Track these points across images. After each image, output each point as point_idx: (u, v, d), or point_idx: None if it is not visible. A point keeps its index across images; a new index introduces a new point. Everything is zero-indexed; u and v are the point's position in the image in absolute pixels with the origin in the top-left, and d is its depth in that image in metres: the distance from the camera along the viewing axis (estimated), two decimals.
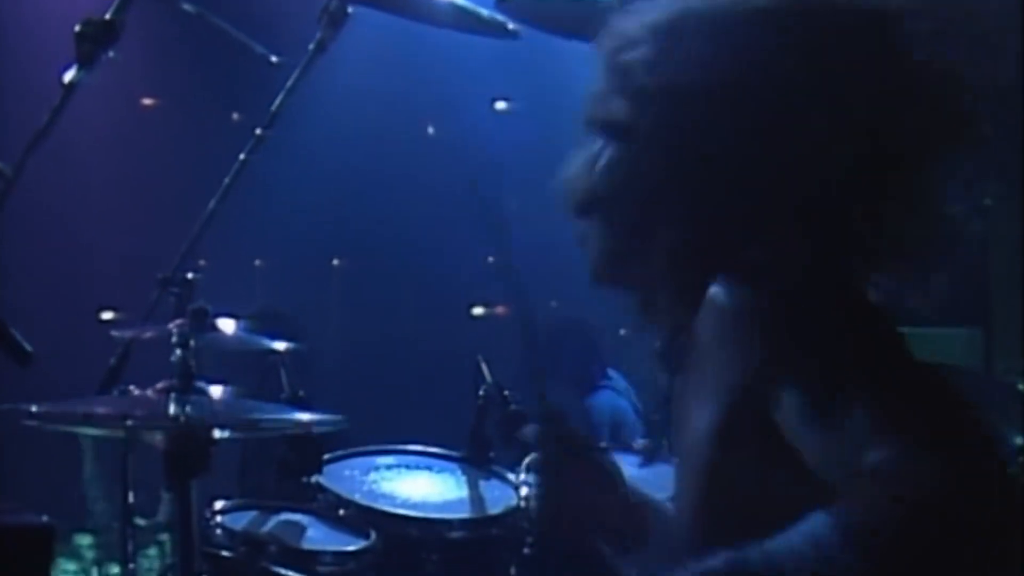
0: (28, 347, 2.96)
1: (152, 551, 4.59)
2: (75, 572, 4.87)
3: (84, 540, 5.01)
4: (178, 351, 3.27)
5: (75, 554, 4.95)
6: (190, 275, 3.92)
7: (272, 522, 3.77)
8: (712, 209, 2.01)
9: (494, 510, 3.93)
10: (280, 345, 3.87)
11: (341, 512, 3.85)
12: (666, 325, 2.13)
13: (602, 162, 2.13)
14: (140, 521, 3.87)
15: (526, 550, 3.88)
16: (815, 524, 1.74)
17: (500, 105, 6.42)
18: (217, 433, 3.20)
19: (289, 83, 4.14)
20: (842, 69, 1.98)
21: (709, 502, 1.99)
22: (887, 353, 1.89)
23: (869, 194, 1.99)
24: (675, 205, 2.04)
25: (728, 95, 1.99)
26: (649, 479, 4.07)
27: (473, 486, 4.05)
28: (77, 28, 3.58)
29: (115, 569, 4.73)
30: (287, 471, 3.86)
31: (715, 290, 1.97)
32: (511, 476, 4.03)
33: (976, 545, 1.70)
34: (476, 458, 4.12)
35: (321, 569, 3.66)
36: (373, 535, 3.74)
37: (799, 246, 1.96)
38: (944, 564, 1.70)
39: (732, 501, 1.95)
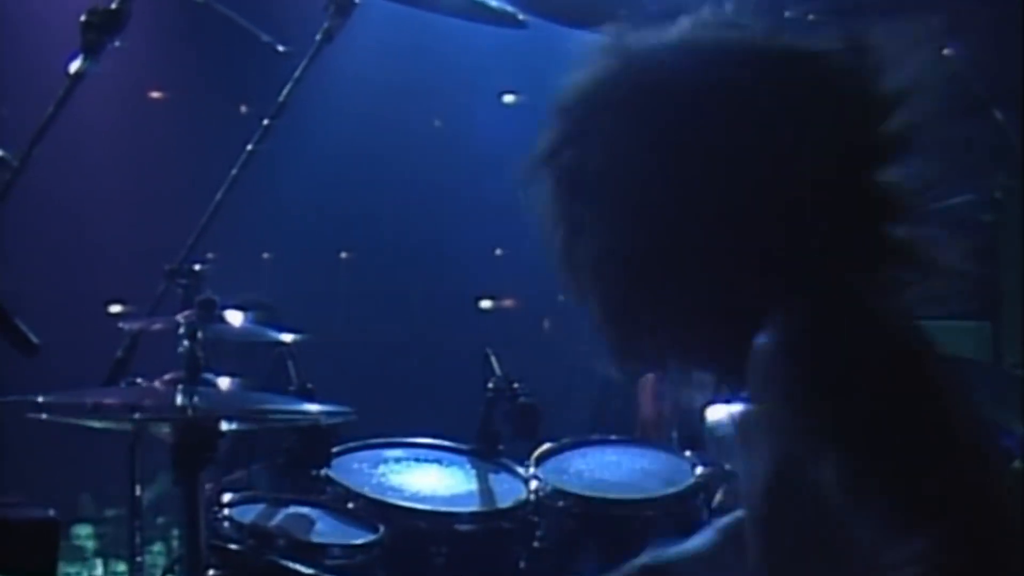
0: (34, 339, 2.95)
1: (157, 547, 4.59)
2: (76, 563, 4.87)
3: (83, 531, 5.02)
4: (185, 343, 3.25)
5: (74, 546, 4.95)
6: (197, 267, 3.90)
7: (281, 515, 3.75)
8: (713, 273, 1.98)
9: (503, 503, 3.92)
10: (288, 337, 3.86)
11: (350, 505, 3.84)
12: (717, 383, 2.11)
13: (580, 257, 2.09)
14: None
15: (535, 543, 3.87)
16: None
17: (508, 98, 6.40)
18: (224, 425, 3.19)
19: (296, 73, 4.13)
20: (786, 111, 1.97)
21: (770, 552, 1.97)
22: (926, 414, 1.85)
23: (850, 215, 1.97)
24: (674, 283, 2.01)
25: (685, 165, 1.97)
26: (661, 471, 4.07)
27: (482, 479, 4.04)
28: (83, 17, 3.57)
29: (119, 563, 4.74)
30: (296, 463, 3.85)
31: (760, 342, 1.93)
32: (520, 469, 4.03)
33: None
34: (485, 451, 4.11)
35: (329, 562, 3.64)
36: (382, 528, 3.73)
37: (816, 293, 1.94)
38: None
39: (791, 550, 1.94)
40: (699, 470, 3.97)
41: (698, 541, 2.44)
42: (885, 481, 1.78)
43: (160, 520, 4.76)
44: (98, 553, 5.06)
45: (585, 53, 2.10)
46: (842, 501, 1.81)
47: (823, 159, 1.96)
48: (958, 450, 1.82)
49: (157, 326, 3.64)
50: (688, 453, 4.12)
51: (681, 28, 2.06)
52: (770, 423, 1.92)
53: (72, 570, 5.03)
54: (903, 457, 1.80)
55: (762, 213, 1.95)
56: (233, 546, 3.60)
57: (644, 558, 2.43)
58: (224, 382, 3.75)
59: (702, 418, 4.04)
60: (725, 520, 2.43)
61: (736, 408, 2.11)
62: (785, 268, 1.95)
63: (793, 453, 1.88)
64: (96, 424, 3.35)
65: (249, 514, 3.71)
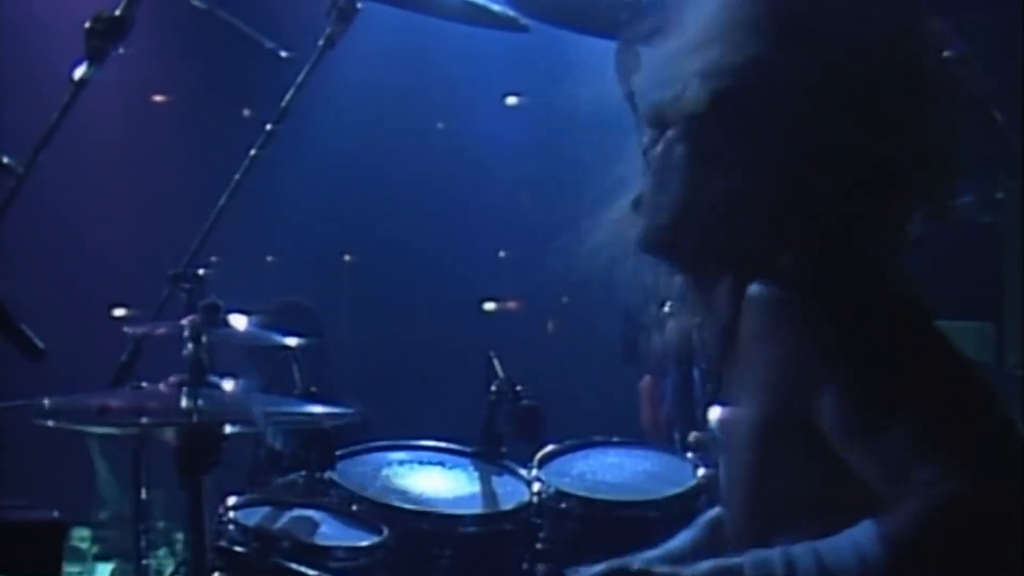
0: (40, 343, 2.96)
1: (161, 551, 4.60)
2: (75, 566, 4.88)
3: (83, 534, 5.02)
4: (190, 347, 3.27)
5: (74, 549, 4.96)
6: (201, 271, 3.92)
7: (285, 518, 3.76)
8: (748, 209, 2.02)
9: (506, 505, 3.92)
10: (292, 341, 3.87)
11: (354, 507, 3.85)
12: (709, 320, 2.14)
13: (653, 157, 2.14)
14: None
15: (538, 545, 3.88)
16: (861, 533, 1.79)
17: (510, 100, 6.42)
18: (229, 428, 3.20)
19: (299, 78, 4.14)
20: (870, 74, 2.01)
21: (756, 498, 2.00)
22: (927, 358, 1.91)
23: (898, 192, 2.01)
24: (713, 204, 2.05)
25: (767, 102, 2.01)
26: (663, 473, 4.08)
27: (485, 481, 4.05)
28: (87, 24, 3.58)
29: (122, 565, 4.75)
30: (300, 466, 3.86)
31: (754, 288, 1.97)
32: (523, 471, 4.03)
33: (1021, 559, 1.74)
34: (488, 453, 4.12)
35: (334, 564, 3.65)
36: (386, 530, 3.74)
37: (833, 247, 1.98)
38: None
39: (778, 497, 1.97)
40: (701, 472, 3.98)
41: (679, 540, 2.46)
42: (891, 414, 1.82)
43: (162, 524, 4.77)
44: (100, 556, 5.07)
45: None
46: (844, 438, 1.85)
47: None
48: (961, 385, 1.89)
49: (161, 330, 3.65)
50: (690, 455, 4.13)
51: None
52: (763, 364, 1.95)
53: (74, 570, 5.04)
54: (910, 391, 1.85)
55: (832, 168, 2.01)
56: (238, 548, 3.61)
57: (620, 561, 2.45)
58: (229, 385, 3.76)
59: (704, 420, 4.05)
60: (705, 516, 2.46)
61: (720, 411, 2.14)
62: (826, 226, 1.99)
63: (789, 399, 1.91)
64: (101, 429, 3.36)
65: (254, 517, 3.72)
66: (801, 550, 1.83)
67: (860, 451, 1.84)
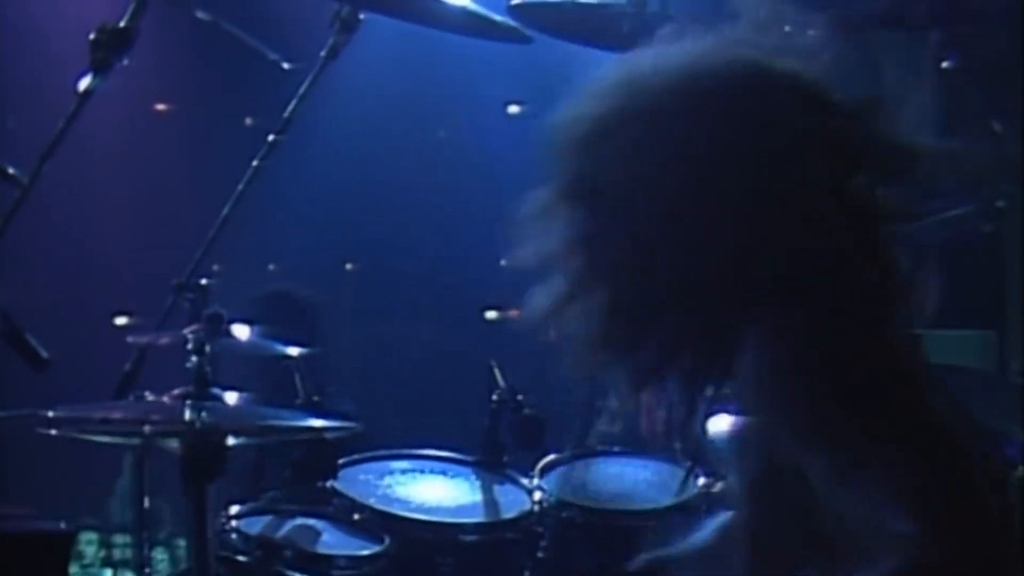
0: (44, 352, 2.98)
1: (161, 554, 4.60)
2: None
3: (88, 539, 5.03)
4: (194, 357, 3.28)
5: (79, 555, 4.96)
6: (204, 281, 3.93)
7: (287, 526, 3.77)
8: (712, 290, 2.02)
9: (508, 514, 3.93)
10: (294, 350, 3.88)
11: (356, 516, 3.86)
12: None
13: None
14: None
15: (539, 554, 3.89)
16: None
17: (512, 109, 6.42)
18: (232, 439, 3.22)
19: (302, 89, 4.16)
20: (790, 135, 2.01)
21: (760, 543, 2.02)
22: (911, 411, 1.91)
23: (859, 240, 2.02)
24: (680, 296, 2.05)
25: (697, 186, 2.01)
26: (664, 483, 4.08)
27: (487, 490, 4.06)
28: (92, 35, 3.60)
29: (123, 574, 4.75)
30: (302, 475, 3.87)
31: (754, 355, 1.97)
32: (525, 480, 4.04)
33: None
34: (490, 462, 4.13)
35: (336, 573, 3.67)
36: (388, 539, 3.75)
37: (810, 307, 1.98)
38: None
39: (779, 538, 1.98)
40: (701, 481, 3.99)
41: (697, 539, 2.48)
42: (874, 476, 1.83)
43: (163, 533, 4.78)
44: (105, 564, 5.08)
45: (592, 81, 2.13)
46: (831, 494, 1.86)
47: (814, 171, 2.00)
48: (945, 451, 1.88)
49: (165, 340, 3.66)
50: (688, 463, 4.13)
51: (683, 48, 2.09)
52: (763, 427, 1.97)
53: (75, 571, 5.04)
54: (893, 455, 1.85)
55: (756, 223, 2.00)
56: (240, 557, 3.63)
57: (646, 555, 2.46)
58: (232, 396, 3.77)
59: (704, 429, 4.06)
60: (720, 518, 2.47)
61: (730, 419, 2.16)
62: (778, 278, 1.99)
63: (785, 451, 1.92)
64: (105, 439, 3.38)
65: (256, 526, 3.73)
66: None
67: (841, 501, 1.85)
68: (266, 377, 4.30)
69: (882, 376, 1.94)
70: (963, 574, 1.78)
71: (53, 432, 3.22)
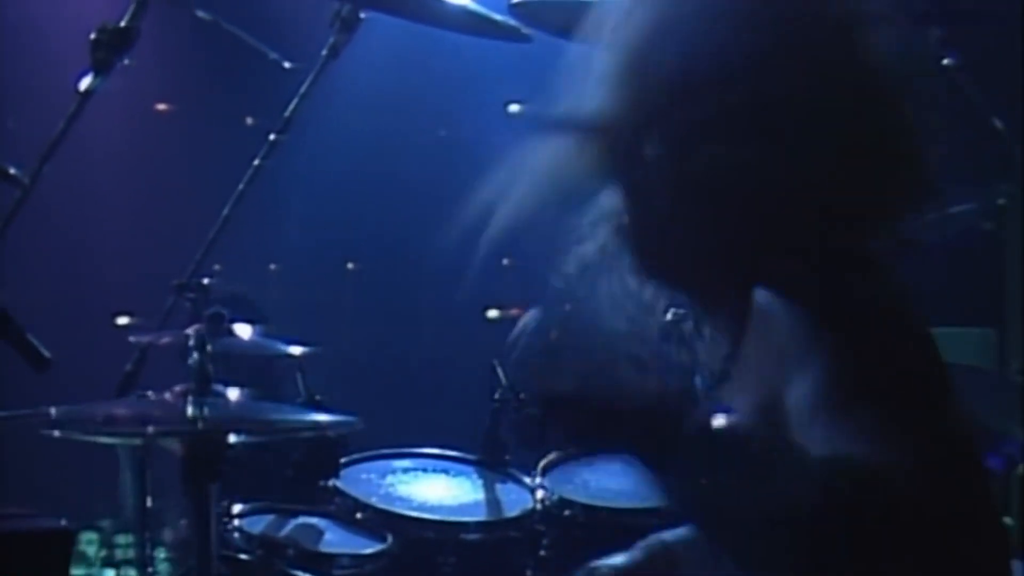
0: (46, 352, 2.98)
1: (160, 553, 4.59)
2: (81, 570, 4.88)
3: (90, 537, 5.03)
4: (195, 356, 3.28)
5: (80, 554, 4.96)
6: (206, 280, 3.93)
7: (290, 526, 3.78)
8: (742, 225, 2.04)
9: (510, 513, 3.94)
10: (296, 349, 3.89)
11: (358, 515, 3.87)
12: (713, 330, 2.16)
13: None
14: None
15: (542, 552, 3.89)
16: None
17: (513, 108, 6.42)
18: (234, 437, 3.22)
19: (303, 88, 4.17)
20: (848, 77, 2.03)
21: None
22: (901, 360, 1.93)
23: (887, 191, 2.03)
24: (705, 223, 2.07)
25: (750, 112, 2.03)
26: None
27: (489, 489, 4.06)
28: (92, 35, 3.60)
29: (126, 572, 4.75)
30: (304, 474, 3.87)
31: (759, 297, 1.99)
32: (527, 479, 4.05)
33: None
34: (492, 461, 4.14)
35: (338, 572, 3.68)
36: (390, 538, 3.76)
37: (827, 253, 1.99)
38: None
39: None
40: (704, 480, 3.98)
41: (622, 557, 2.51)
42: (851, 396, 1.85)
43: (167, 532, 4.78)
44: (107, 564, 5.08)
45: None
46: (800, 416, 1.87)
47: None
48: (933, 388, 1.93)
49: (166, 340, 3.67)
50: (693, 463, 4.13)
51: None
52: (762, 365, 1.98)
53: (79, 573, 5.04)
54: (875, 379, 1.88)
55: (821, 175, 2.03)
56: (243, 556, 3.63)
57: (651, 540, 2.48)
58: (234, 394, 3.78)
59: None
60: (652, 539, 2.49)
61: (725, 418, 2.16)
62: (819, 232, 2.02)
63: (775, 388, 1.93)
64: (107, 439, 3.38)
65: (258, 525, 3.74)
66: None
67: (811, 424, 1.86)
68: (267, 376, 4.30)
69: (896, 324, 1.98)
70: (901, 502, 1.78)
71: (55, 432, 3.21)
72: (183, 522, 3.88)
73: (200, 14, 4.21)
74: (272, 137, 4.17)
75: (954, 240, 4.36)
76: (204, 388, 3.21)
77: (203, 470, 3.14)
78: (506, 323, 6.50)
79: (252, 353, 4.12)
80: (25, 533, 2.55)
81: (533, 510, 3.93)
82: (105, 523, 5.08)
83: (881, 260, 2.06)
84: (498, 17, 4.22)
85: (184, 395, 3.23)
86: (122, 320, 5.37)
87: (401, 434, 4.29)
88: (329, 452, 3.84)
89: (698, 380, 3.41)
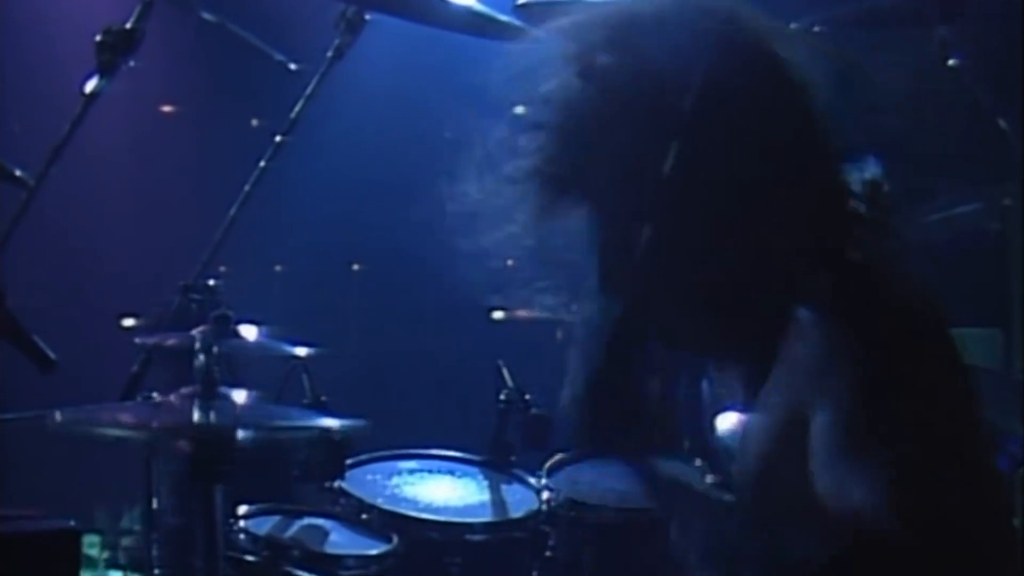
0: (51, 354, 2.98)
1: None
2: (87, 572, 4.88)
3: (92, 540, 5.03)
4: (201, 357, 3.28)
5: (84, 557, 4.96)
6: (212, 282, 3.93)
7: (295, 526, 3.79)
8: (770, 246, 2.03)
9: (516, 513, 3.94)
10: (302, 350, 3.89)
11: (364, 516, 3.87)
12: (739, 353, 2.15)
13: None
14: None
15: (547, 553, 3.90)
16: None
17: (519, 110, 6.42)
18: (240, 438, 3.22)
19: (308, 90, 4.17)
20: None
21: (767, 499, 2.01)
22: (936, 405, 1.90)
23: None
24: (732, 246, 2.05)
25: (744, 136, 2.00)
26: None
27: (495, 490, 4.06)
28: (98, 37, 3.60)
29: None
30: (310, 475, 3.87)
31: (802, 317, 1.98)
32: (532, 480, 4.05)
33: None
34: (498, 462, 4.14)
35: (344, 573, 3.68)
36: (395, 539, 3.76)
37: (846, 270, 1.99)
38: None
39: (788, 499, 1.97)
40: (710, 479, 3.99)
41: None
42: (874, 440, 1.82)
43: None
44: (111, 565, 5.08)
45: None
46: (819, 453, 1.85)
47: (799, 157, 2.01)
48: (963, 454, 1.87)
49: (172, 341, 3.67)
50: (699, 462, 4.13)
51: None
52: (780, 389, 1.97)
53: None
54: (908, 437, 1.83)
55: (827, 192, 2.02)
56: (249, 557, 3.63)
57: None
58: (240, 396, 3.77)
59: (713, 427, 4.06)
60: None
61: (739, 416, 2.16)
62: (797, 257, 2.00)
63: (795, 414, 1.92)
64: (113, 436, 3.38)
65: (264, 526, 3.74)
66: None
67: (830, 466, 1.84)
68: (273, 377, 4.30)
69: (922, 350, 1.95)
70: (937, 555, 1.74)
71: (60, 433, 3.22)
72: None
73: (205, 16, 4.21)
74: (277, 139, 4.17)
75: (959, 240, 4.36)
76: (210, 390, 3.22)
77: (209, 472, 3.14)
78: (511, 324, 6.51)
79: (258, 354, 4.12)
80: (32, 533, 2.56)
81: (539, 511, 3.93)
82: (110, 525, 5.08)
83: (885, 269, 2.04)
84: (503, 18, 4.22)
85: (190, 397, 3.23)
86: (128, 322, 5.37)
87: (407, 435, 4.29)
88: (334, 453, 3.84)
89: (704, 383, 3.43)
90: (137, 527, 3.94)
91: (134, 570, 3.90)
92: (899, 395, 1.86)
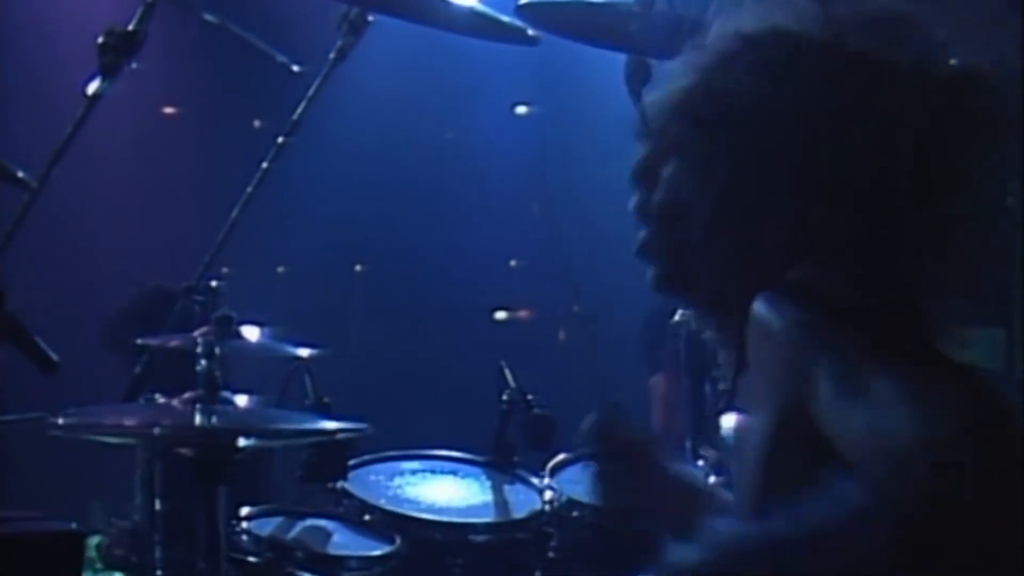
0: (54, 356, 2.98)
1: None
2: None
3: (95, 542, 5.03)
4: (203, 360, 3.28)
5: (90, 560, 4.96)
6: (214, 283, 3.93)
7: (298, 528, 3.78)
8: (761, 228, 2.04)
9: (518, 514, 3.94)
10: (304, 351, 3.89)
11: (367, 517, 3.87)
12: (726, 338, 2.16)
13: (665, 184, 2.15)
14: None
15: (550, 553, 3.89)
16: (846, 493, 1.74)
17: (520, 109, 6.42)
18: (242, 441, 3.22)
19: (310, 91, 4.17)
20: (876, 90, 2.03)
21: (761, 503, 2.00)
22: (916, 345, 1.91)
23: (912, 209, 2.03)
24: (727, 224, 2.07)
25: (779, 121, 2.03)
26: None
27: (497, 490, 4.06)
28: (100, 39, 3.60)
29: None
30: (312, 476, 3.87)
31: (757, 307, 1.98)
32: (535, 480, 4.05)
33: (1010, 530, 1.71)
34: (500, 462, 4.14)
35: (347, 574, 3.68)
36: (398, 540, 3.76)
37: (845, 267, 1.99)
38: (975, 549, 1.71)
39: (783, 502, 1.96)
40: (712, 479, 3.99)
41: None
42: (878, 375, 1.81)
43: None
44: (113, 566, 5.08)
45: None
46: (830, 413, 1.83)
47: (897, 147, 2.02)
48: (952, 364, 1.87)
49: (175, 343, 3.67)
50: (701, 463, 4.13)
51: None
52: (770, 382, 1.97)
53: None
54: (896, 359, 1.82)
55: (844, 184, 2.02)
56: (251, 559, 3.63)
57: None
58: (242, 399, 3.78)
59: (715, 427, 4.06)
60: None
61: (736, 418, 2.17)
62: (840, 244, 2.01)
63: (795, 403, 1.91)
64: (115, 438, 3.39)
65: (267, 527, 3.74)
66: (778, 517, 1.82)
67: (845, 417, 1.82)
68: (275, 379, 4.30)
69: (901, 326, 1.94)
70: (983, 489, 1.68)
71: (63, 436, 3.22)
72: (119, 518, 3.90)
73: (208, 17, 4.20)
74: (280, 140, 4.17)
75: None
76: (212, 393, 3.22)
77: (212, 473, 3.15)
78: (513, 324, 6.52)
79: (260, 356, 4.12)
80: (35, 536, 2.56)
81: (541, 511, 3.93)
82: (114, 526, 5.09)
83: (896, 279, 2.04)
84: (505, 19, 4.22)
85: (193, 400, 3.24)
86: None
87: (409, 436, 4.30)
88: (337, 454, 3.84)
89: (707, 384, 3.43)
90: (122, 525, 3.92)
91: (108, 567, 3.88)
92: (888, 353, 1.87)
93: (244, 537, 3.67)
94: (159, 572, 3.81)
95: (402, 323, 6.49)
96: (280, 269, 6.46)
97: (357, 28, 4.14)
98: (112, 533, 3.91)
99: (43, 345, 2.96)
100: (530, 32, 4.29)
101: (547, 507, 3.93)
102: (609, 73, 3.99)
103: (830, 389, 1.85)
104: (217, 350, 3.29)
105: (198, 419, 3.14)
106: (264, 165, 4.16)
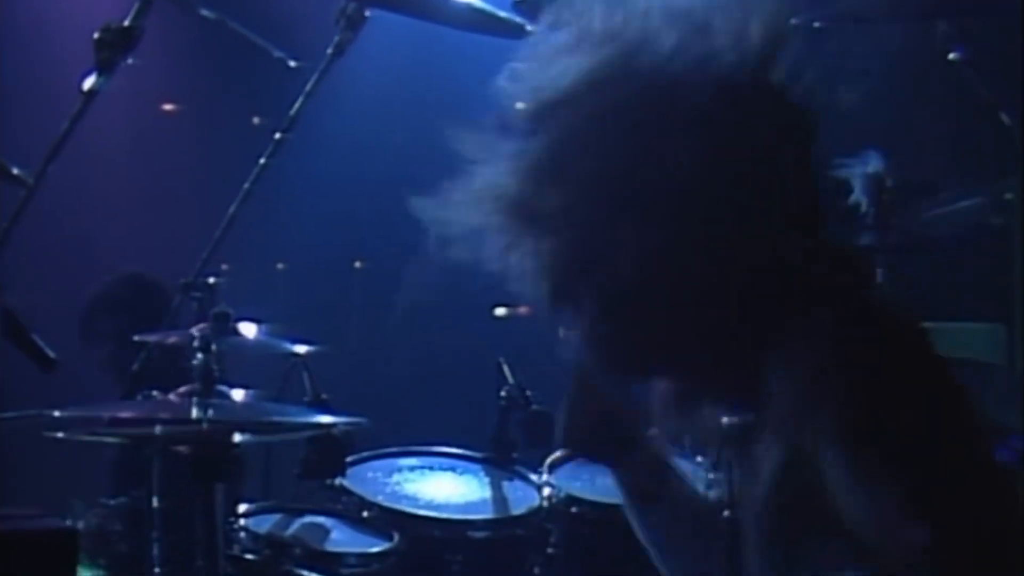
0: (51, 353, 2.98)
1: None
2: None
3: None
4: (199, 353, 3.28)
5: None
6: (212, 279, 3.93)
7: (296, 525, 3.78)
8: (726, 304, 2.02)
9: (517, 510, 3.94)
10: (303, 348, 3.88)
11: (365, 514, 3.87)
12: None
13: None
14: None
15: (549, 550, 3.89)
16: None
17: (520, 105, 6.41)
18: (239, 436, 3.21)
19: (308, 87, 4.16)
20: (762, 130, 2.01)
21: (776, 516, 2.00)
22: (932, 415, 1.89)
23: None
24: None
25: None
26: None
27: (496, 487, 4.06)
28: (96, 35, 3.59)
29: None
30: (310, 473, 3.87)
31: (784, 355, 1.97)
32: (534, 476, 4.04)
33: None
34: (499, 459, 4.14)
35: (345, 571, 3.68)
36: (397, 536, 3.76)
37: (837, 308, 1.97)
38: None
39: (799, 514, 1.96)
40: (711, 476, 3.97)
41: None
42: (891, 463, 1.81)
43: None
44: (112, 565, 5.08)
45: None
46: (839, 486, 1.84)
47: (782, 176, 2.00)
48: (970, 454, 1.86)
49: (173, 339, 3.66)
50: (700, 459, 4.12)
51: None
52: (781, 424, 1.95)
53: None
54: (910, 441, 1.82)
55: (746, 233, 2.00)
56: (249, 556, 3.63)
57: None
58: (239, 394, 3.77)
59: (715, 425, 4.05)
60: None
61: (729, 418, 2.16)
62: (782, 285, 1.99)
63: (801, 449, 1.90)
64: (113, 435, 3.38)
65: (265, 524, 3.74)
66: None
67: (853, 499, 1.82)
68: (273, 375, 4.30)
69: (912, 376, 1.93)
70: None
71: (60, 433, 3.21)
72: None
73: (205, 13, 4.19)
74: (278, 136, 4.16)
75: (962, 235, 4.35)
76: (209, 388, 3.21)
77: (209, 470, 3.14)
78: (514, 320, 6.51)
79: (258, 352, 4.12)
80: (29, 533, 2.55)
81: (540, 508, 3.92)
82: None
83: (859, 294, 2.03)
84: (502, 14, 4.21)
85: (189, 395, 3.23)
86: None
87: (407, 432, 4.30)
88: (335, 451, 3.83)
89: None
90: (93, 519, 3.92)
91: (90, 561, 3.88)
92: (897, 415, 1.85)
93: (242, 534, 3.66)
94: (157, 570, 3.80)
95: (401, 320, 6.49)
96: (279, 265, 6.46)
97: (355, 23, 4.14)
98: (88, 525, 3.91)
99: (40, 342, 2.96)
100: (528, 28, 4.28)
101: (546, 503, 3.93)
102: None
103: (839, 464, 1.84)
104: (214, 346, 3.28)
105: (194, 412, 3.13)
106: (262, 161, 4.16)
